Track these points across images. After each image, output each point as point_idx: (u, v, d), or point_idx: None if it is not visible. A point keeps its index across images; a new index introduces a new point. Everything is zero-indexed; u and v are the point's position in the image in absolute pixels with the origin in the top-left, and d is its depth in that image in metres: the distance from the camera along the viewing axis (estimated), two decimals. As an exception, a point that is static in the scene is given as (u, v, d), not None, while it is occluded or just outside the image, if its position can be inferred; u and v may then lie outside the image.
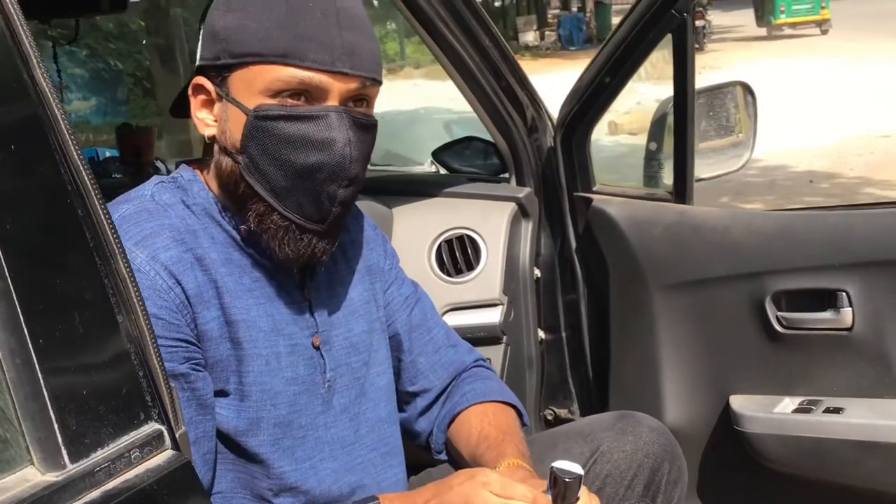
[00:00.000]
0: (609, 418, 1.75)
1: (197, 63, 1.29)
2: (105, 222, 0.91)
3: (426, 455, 1.62)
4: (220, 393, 1.31)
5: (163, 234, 1.26)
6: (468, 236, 2.23)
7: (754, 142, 2.29)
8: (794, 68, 14.31)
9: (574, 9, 25.40)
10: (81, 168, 0.88)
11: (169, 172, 1.94)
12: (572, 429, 1.72)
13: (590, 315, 2.29)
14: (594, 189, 2.25)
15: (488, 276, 2.20)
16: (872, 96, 11.16)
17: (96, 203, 0.89)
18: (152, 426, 0.91)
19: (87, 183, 0.89)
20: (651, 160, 2.25)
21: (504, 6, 24.43)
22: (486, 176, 2.45)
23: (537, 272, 2.33)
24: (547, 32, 23.18)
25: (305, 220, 1.30)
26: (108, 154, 3.35)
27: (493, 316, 2.20)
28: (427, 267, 2.23)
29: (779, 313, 1.95)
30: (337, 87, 1.27)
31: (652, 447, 1.63)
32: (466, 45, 2.08)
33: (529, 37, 22.38)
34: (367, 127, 1.32)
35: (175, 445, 0.93)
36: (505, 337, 2.22)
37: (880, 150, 8.54)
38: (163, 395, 0.93)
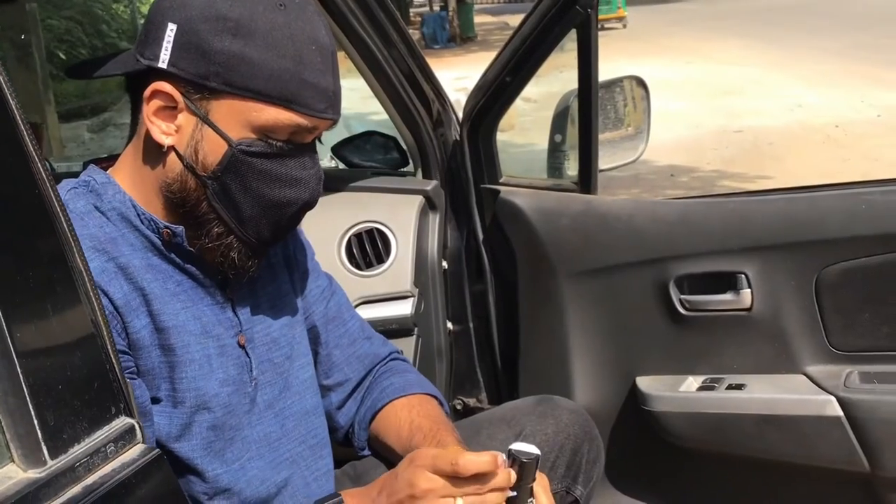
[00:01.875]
0: (529, 403, 1.80)
1: (161, 65, 1.23)
2: (63, 214, 0.90)
3: (348, 450, 1.63)
4: (153, 400, 1.29)
5: (84, 241, 1.23)
6: (378, 230, 2.25)
7: (648, 133, 2.39)
8: (649, 67, 14.82)
9: (437, 7, 25.57)
10: (37, 159, 0.86)
11: (55, 172, 1.86)
12: (494, 415, 1.77)
13: (497, 305, 2.34)
14: (500, 181, 2.30)
15: (399, 268, 2.22)
16: (725, 93, 11.68)
17: (54, 194, 0.87)
18: (124, 420, 0.91)
19: (44, 173, 0.87)
20: (555, 152, 2.31)
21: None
22: (389, 170, 2.46)
23: (445, 264, 2.36)
24: (410, 31, 23.20)
25: (259, 243, 1.33)
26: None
27: (404, 308, 2.22)
28: (337, 261, 2.23)
29: (682, 296, 2.04)
30: (318, 130, 1.30)
31: (572, 429, 1.69)
32: (375, 38, 2.10)
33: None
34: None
35: (144, 439, 0.92)
36: (416, 328, 2.25)
37: (734, 145, 8.94)
38: (125, 389, 0.92)
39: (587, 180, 2.16)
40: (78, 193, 1.30)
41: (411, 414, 1.56)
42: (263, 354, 1.44)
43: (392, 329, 2.22)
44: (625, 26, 22.29)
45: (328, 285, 1.63)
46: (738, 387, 1.98)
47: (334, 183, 2.36)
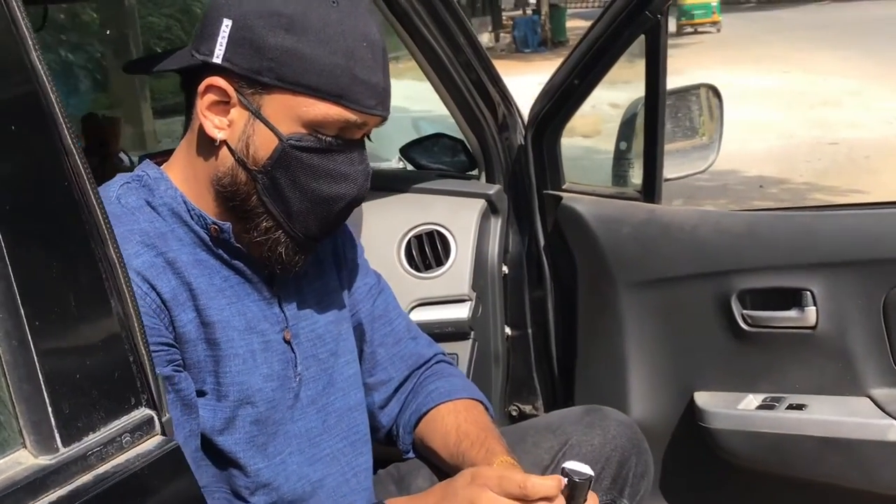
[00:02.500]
0: (577, 412, 1.78)
1: (216, 61, 1.24)
2: (97, 207, 0.91)
3: (390, 449, 1.62)
4: (198, 393, 1.30)
5: (132, 239, 1.24)
6: (438, 232, 2.24)
7: (720, 143, 2.33)
8: (745, 76, 14.53)
9: (529, 11, 25.52)
10: (75, 152, 0.87)
11: (132, 164, 1.90)
12: (541, 423, 1.74)
13: (556, 312, 2.32)
14: (563, 187, 2.27)
15: (457, 271, 2.21)
16: (822, 104, 11.38)
17: (89, 187, 0.88)
18: (142, 411, 0.91)
19: (81, 166, 0.88)
20: (620, 160, 2.28)
21: (460, 6, 24.45)
22: (454, 172, 2.45)
23: (505, 269, 2.34)
24: (502, 34, 23.25)
25: (308, 238, 1.33)
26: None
27: (461, 311, 2.21)
28: (396, 262, 2.24)
29: (744, 311, 1.98)
30: (367, 126, 1.31)
31: (619, 440, 1.65)
32: (441, 41, 2.09)
33: (484, 38, 22.42)
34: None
35: (163, 431, 0.93)
36: (472, 333, 2.24)
37: (828, 157, 8.71)
38: (150, 380, 0.93)
39: (651, 189, 2.11)
40: (130, 188, 1.32)
41: (458, 419, 1.55)
42: (308, 350, 1.44)
43: (448, 332, 2.22)
44: (718, 30, 22.68)
45: (376, 283, 1.63)
46: (799, 407, 1.92)
47: (397, 184, 2.37)
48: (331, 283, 1.52)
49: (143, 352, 0.93)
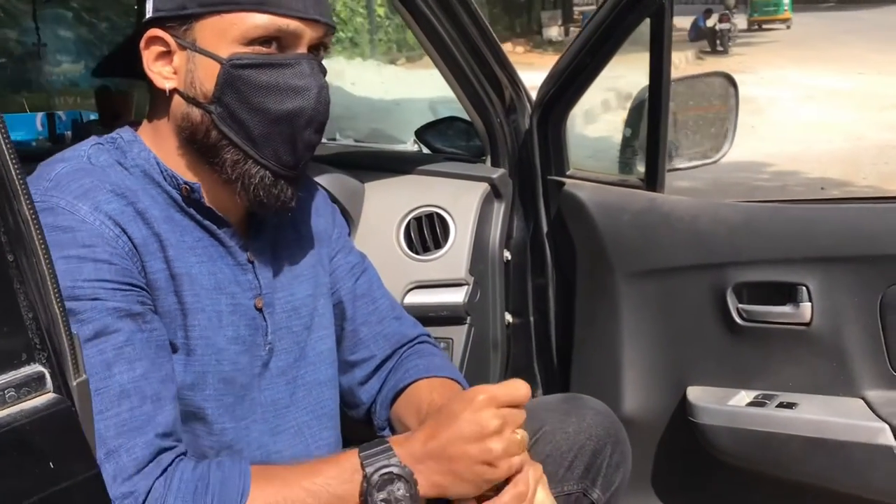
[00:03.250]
0: (555, 399, 1.75)
1: (149, 15, 1.26)
2: (10, 159, 0.91)
3: (364, 430, 1.61)
4: (171, 347, 1.30)
5: (103, 188, 1.25)
6: (438, 214, 2.22)
7: (734, 135, 2.27)
8: (817, 76, 14.20)
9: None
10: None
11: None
12: None
13: (557, 300, 2.28)
14: (567, 173, 2.23)
15: (455, 255, 2.19)
16: (893, 106, 11.06)
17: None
18: (34, 368, 0.90)
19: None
20: (626, 147, 2.23)
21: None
22: (465, 156, 2.43)
23: (507, 255, 2.31)
24: (572, 28, 23.06)
25: (280, 166, 1.31)
26: (91, 118, 3.35)
27: (457, 296, 2.19)
28: (395, 243, 2.22)
29: (739, 305, 1.93)
30: (308, 34, 1.29)
31: (595, 430, 1.62)
32: (444, 21, 2.07)
33: (553, 32, 22.30)
34: (323, 73, 1.35)
35: (60, 390, 0.92)
36: (469, 317, 2.21)
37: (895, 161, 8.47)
38: (55, 340, 0.93)
39: (653, 177, 2.06)
40: (102, 149, 1.33)
41: (432, 395, 1.52)
42: (282, 322, 1.44)
43: (443, 316, 2.20)
44: (788, 27, 22.97)
45: (359, 262, 1.62)
46: (790, 405, 1.86)
47: (401, 165, 2.36)
48: (311, 258, 1.52)
49: (56, 312, 0.93)
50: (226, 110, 1.27)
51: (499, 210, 2.28)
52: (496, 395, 1.24)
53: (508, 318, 2.34)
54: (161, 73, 1.30)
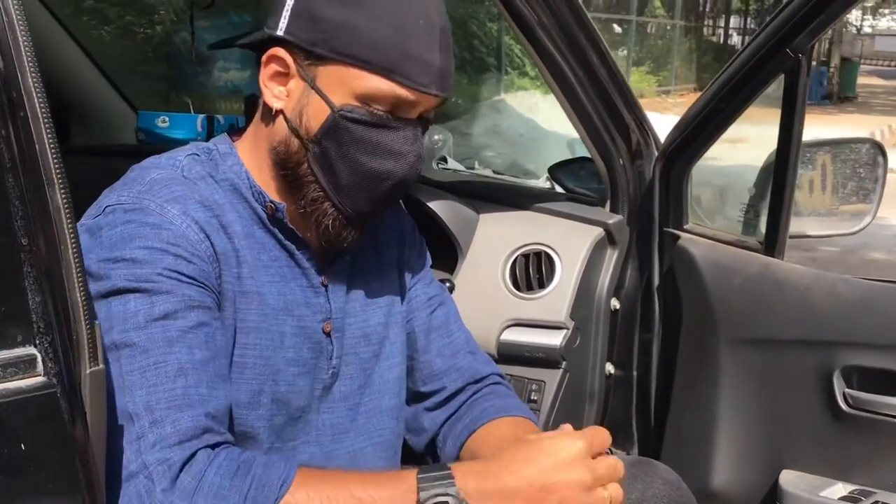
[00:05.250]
0: (626, 461, 1.66)
1: (279, 33, 1.28)
2: (49, 150, 0.95)
3: (424, 462, 1.58)
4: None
5: (192, 198, 1.29)
6: (546, 254, 2.17)
7: (877, 207, 2.10)
8: None
9: (818, 62, 24.27)
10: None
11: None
12: None
13: (660, 357, 2.18)
14: (685, 227, 2.13)
15: (557, 297, 2.13)
16: None
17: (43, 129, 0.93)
18: (27, 350, 0.93)
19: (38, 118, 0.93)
20: (750, 207, 2.11)
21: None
22: (589, 198, 2.37)
23: (616, 304, 2.23)
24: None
25: (355, 214, 1.33)
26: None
27: (554, 339, 2.12)
28: (500, 278, 2.19)
29: (846, 390, 1.78)
30: (423, 105, 1.30)
31: (659, 500, 1.54)
32: (570, 59, 2.02)
33: (771, 86, 21.52)
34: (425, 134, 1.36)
35: (53, 376, 0.94)
36: (564, 363, 2.14)
37: None
38: (67, 327, 0.95)
39: (772, 242, 1.94)
40: (196, 160, 1.36)
41: (516, 431, 1.48)
42: (351, 347, 1.44)
43: (538, 357, 2.15)
44: None
45: (437, 294, 1.61)
46: (886, 506, 1.70)
47: (518, 199, 2.32)
48: (388, 286, 1.52)
49: (72, 298, 0.96)
50: (322, 153, 1.29)
51: (611, 257, 2.21)
52: (594, 445, 1.20)
53: (610, 368, 2.26)
54: (273, 92, 1.32)
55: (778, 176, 1.91)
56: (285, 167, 1.33)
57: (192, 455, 1.13)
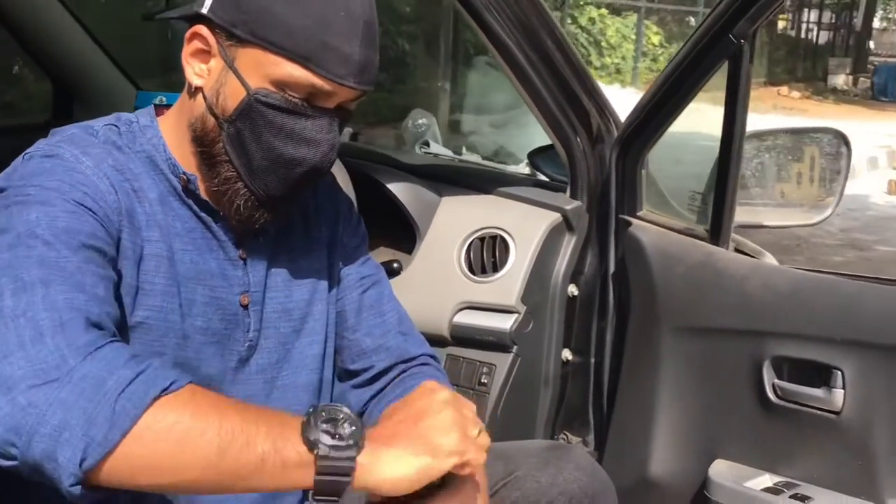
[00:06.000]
0: (539, 446, 1.69)
1: (203, 11, 1.30)
2: None
3: None
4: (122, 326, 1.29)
5: (108, 159, 1.30)
6: (501, 237, 2.18)
7: (840, 198, 2.07)
8: None
9: (897, 59, 23.59)
10: None
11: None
12: (497, 448, 1.64)
13: (613, 344, 2.17)
14: (639, 213, 2.12)
15: (509, 281, 2.14)
16: None
17: None
18: None
19: None
20: (707, 195, 2.09)
21: (816, 44, 23.14)
22: (553, 184, 2.37)
23: (574, 290, 2.23)
24: (861, 78, 21.69)
25: (267, 197, 1.34)
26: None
27: (505, 322, 2.14)
28: (455, 261, 2.20)
29: (775, 381, 1.76)
30: (340, 96, 1.31)
31: (570, 485, 1.54)
32: (522, 43, 2.02)
33: (839, 80, 21.02)
34: (344, 125, 1.37)
35: None
36: (515, 347, 2.15)
37: None
38: None
39: (717, 231, 1.92)
40: (112, 130, 1.38)
41: None
42: (270, 322, 1.45)
43: (488, 341, 2.16)
44: None
45: (372, 275, 1.61)
46: (804, 499, 1.68)
47: (480, 182, 2.34)
48: (317, 262, 1.53)
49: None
50: (237, 133, 1.31)
51: (568, 242, 2.20)
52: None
53: (568, 355, 2.25)
54: (195, 69, 1.34)
55: (722, 164, 1.89)
56: (202, 144, 1.35)
57: (87, 328, 1.09)
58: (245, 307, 1.42)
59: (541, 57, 2.06)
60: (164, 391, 1.06)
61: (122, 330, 1.27)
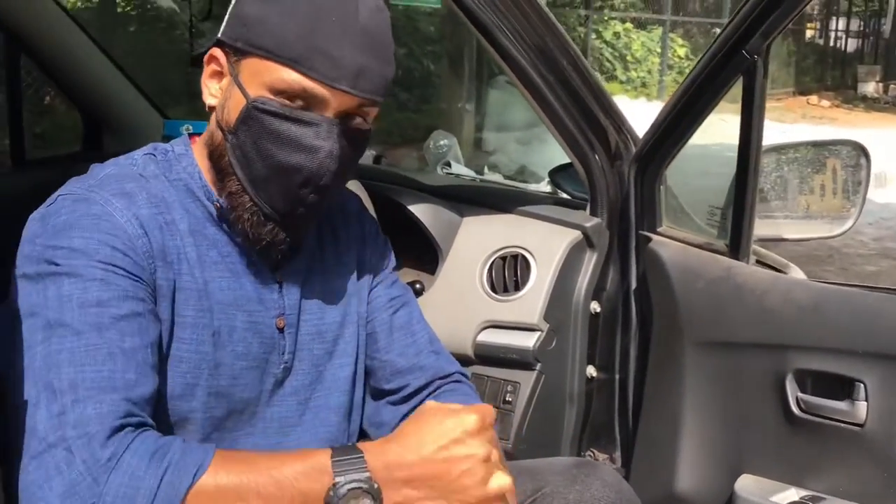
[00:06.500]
0: (566, 462, 1.69)
1: (219, 35, 1.36)
2: None
3: None
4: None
5: (141, 194, 1.34)
6: (523, 256, 2.20)
7: (860, 209, 2.07)
8: None
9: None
10: None
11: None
12: (526, 464, 1.67)
13: (638, 360, 2.18)
14: (659, 229, 2.13)
15: (531, 299, 2.15)
16: None
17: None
18: None
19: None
20: (726, 210, 2.09)
21: (845, 52, 22.96)
22: (573, 202, 2.39)
23: (597, 307, 2.24)
24: (892, 85, 21.47)
25: (271, 209, 1.36)
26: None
27: (528, 340, 2.15)
28: (477, 280, 2.22)
29: (799, 394, 1.76)
30: (335, 102, 1.32)
31: (596, 502, 1.55)
32: (538, 63, 2.04)
33: (870, 87, 20.81)
34: (355, 140, 1.38)
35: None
36: (539, 364, 2.16)
37: None
38: None
39: (736, 245, 1.93)
40: (151, 159, 1.42)
41: None
42: (304, 344, 1.48)
43: (512, 359, 2.17)
44: None
45: (400, 296, 1.63)
46: (830, 513, 1.67)
47: (500, 201, 2.35)
48: (348, 285, 1.55)
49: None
50: (238, 144, 1.34)
51: (590, 260, 2.21)
52: (485, 420, 1.25)
53: (592, 371, 2.26)
54: (209, 90, 1.39)
55: (740, 178, 1.89)
56: (212, 159, 1.39)
57: (113, 434, 1.16)
58: (281, 330, 1.44)
59: (556, 76, 2.08)
60: (190, 487, 1.14)
61: (163, 364, 1.32)
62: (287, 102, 1.31)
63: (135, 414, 1.20)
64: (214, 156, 1.38)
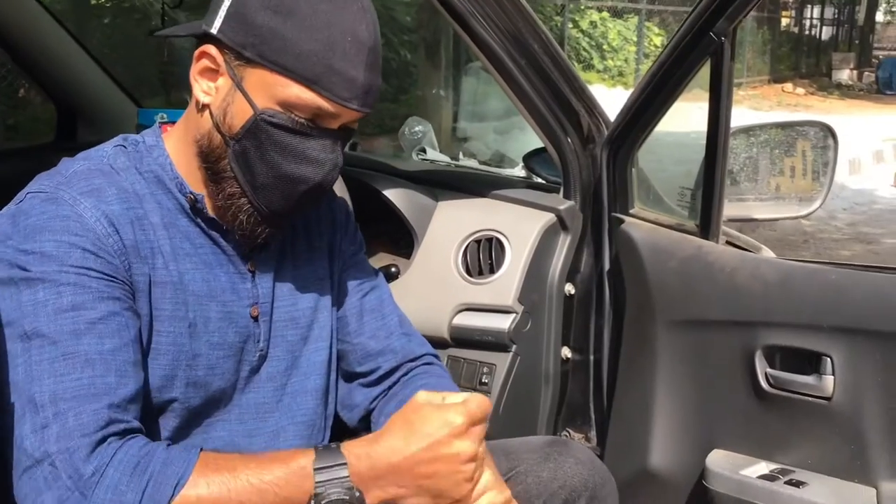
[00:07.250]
0: (540, 441, 1.72)
1: (212, 31, 1.33)
2: None
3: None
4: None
5: (109, 190, 1.34)
6: (497, 239, 2.22)
7: (828, 189, 2.10)
8: None
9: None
10: None
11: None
12: (499, 444, 1.69)
13: (611, 341, 2.21)
14: (631, 211, 2.16)
15: (505, 282, 2.18)
16: None
17: None
18: None
19: None
20: (696, 190, 2.12)
21: (820, 40, 23.10)
22: (547, 185, 2.41)
23: (571, 288, 2.26)
24: (866, 73, 21.65)
25: (269, 212, 1.38)
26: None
27: (503, 322, 2.17)
28: (452, 264, 2.24)
29: (767, 370, 1.80)
30: (343, 118, 1.35)
31: (570, 479, 1.58)
32: (509, 47, 2.06)
33: (844, 75, 20.98)
34: (346, 143, 1.42)
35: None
36: (514, 346, 2.19)
37: None
38: None
39: (706, 225, 1.96)
40: (122, 151, 1.42)
41: None
42: (279, 331, 1.50)
43: (487, 341, 2.19)
44: None
45: (370, 279, 1.65)
46: (798, 484, 1.71)
47: (475, 186, 2.37)
48: (319, 271, 1.57)
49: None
50: (242, 151, 1.34)
51: (563, 242, 2.24)
52: (473, 416, 1.26)
53: (567, 353, 2.29)
54: (202, 87, 1.37)
55: (709, 160, 1.92)
56: (207, 161, 1.38)
57: (96, 447, 1.18)
58: (255, 319, 1.46)
59: (529, 61, 2.10)
60: (171, 499, 1.17)
61: (146, 358, 1.34)
62: (296, 117, 1.32)
63: (117, 420, 1.22)
64: (211, 157, 1.37)
